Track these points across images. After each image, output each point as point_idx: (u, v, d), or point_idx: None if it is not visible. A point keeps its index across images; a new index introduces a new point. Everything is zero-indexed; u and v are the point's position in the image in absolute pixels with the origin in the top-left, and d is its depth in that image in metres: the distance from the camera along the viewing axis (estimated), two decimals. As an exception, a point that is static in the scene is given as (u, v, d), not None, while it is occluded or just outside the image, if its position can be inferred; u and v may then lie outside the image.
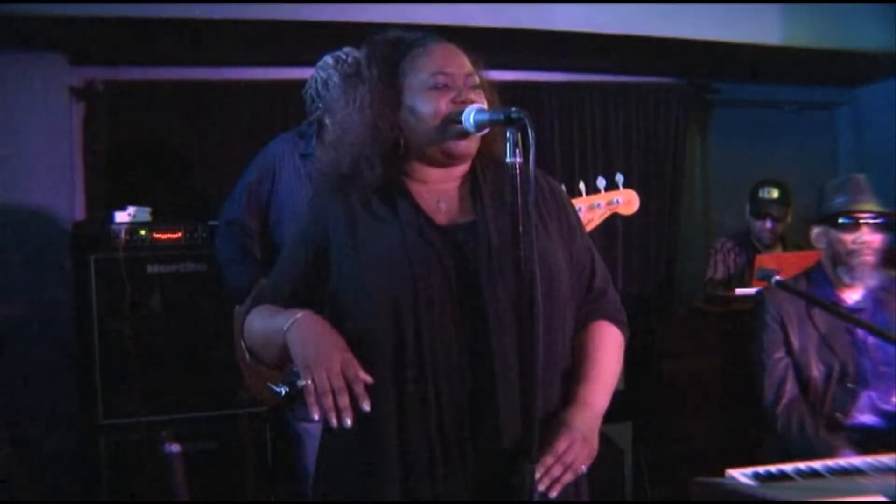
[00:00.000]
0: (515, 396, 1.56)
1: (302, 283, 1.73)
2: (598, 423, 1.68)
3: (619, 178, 2.68)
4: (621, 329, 1.80)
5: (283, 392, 2.75)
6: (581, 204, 2.64)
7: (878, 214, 2.72)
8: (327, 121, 2.65)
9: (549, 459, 1.56)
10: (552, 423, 1.62)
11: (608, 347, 1.76)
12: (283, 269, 1.79)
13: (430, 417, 1.58)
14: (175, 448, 3.44)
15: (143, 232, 3.50)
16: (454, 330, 1.58)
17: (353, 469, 1.65)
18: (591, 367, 1.72)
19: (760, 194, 4.16)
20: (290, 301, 1.71)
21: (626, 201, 2.69)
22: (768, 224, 4.15)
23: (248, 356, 2.54)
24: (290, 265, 1.77)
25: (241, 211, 2.92)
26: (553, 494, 1.56)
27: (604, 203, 2.66)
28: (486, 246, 1.62)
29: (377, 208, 1.67)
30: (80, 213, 3.96)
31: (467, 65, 1.68)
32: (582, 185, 2.66)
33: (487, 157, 1.73)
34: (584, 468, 1.61)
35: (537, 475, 1.54)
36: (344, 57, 2.66)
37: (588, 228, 2.63)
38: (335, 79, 2.61)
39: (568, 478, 1.58)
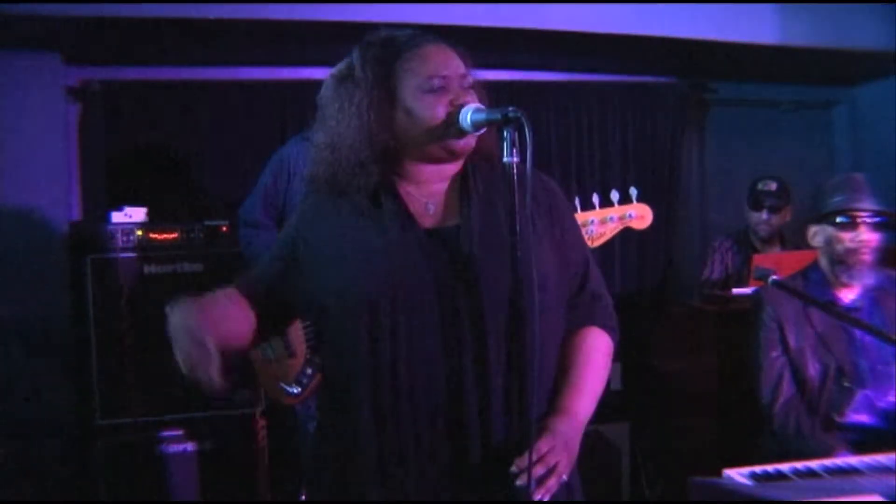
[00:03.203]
0: (488, 400, 1.57)
1: (279, 280, 1.75)
2: (581, 432, 1.67)
3: (633, 192, 2.67)
4: (611, 335, 1.79)
5: (295, 392, 2.78)
6: (594, 217, 2.64)
7: (876, 214, 2.72)
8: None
9: (527, 458, 1.52)
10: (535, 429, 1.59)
11: (596, 355, 1.75)
12: (266, 265, 1.80)
13: (403, 420, 1.58)
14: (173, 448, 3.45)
15: (139, 232, 3.49)
16: (432, 333, 1.58)
17: (336, 465, 1.66)
18: (577, 375, 1.71)
19: (759, 186, 4.17)
20: (264, 296, 1.74)
21: (640, 216, 2.68)
22: (764, 215, 4.14)
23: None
24: (273, 262, 1.78)
25: (259, 213, 2.94)
26: (537, 497, 1.52)
27: (617, 217, 2.66)
28: (467, 249, 1.62)
29: (366, 210, 1.67)
30: (76, 214, 3.95)
31: (461, 65, 1.68)
32: (595, 199, 2.66)
33: (480, 156, 1.72)
34: (565, 476, 1.57)
35: (514, 468, 1.52)
36: None
37: (599, 242, 2.62)
38: None
39: (552, 482, 1.54)
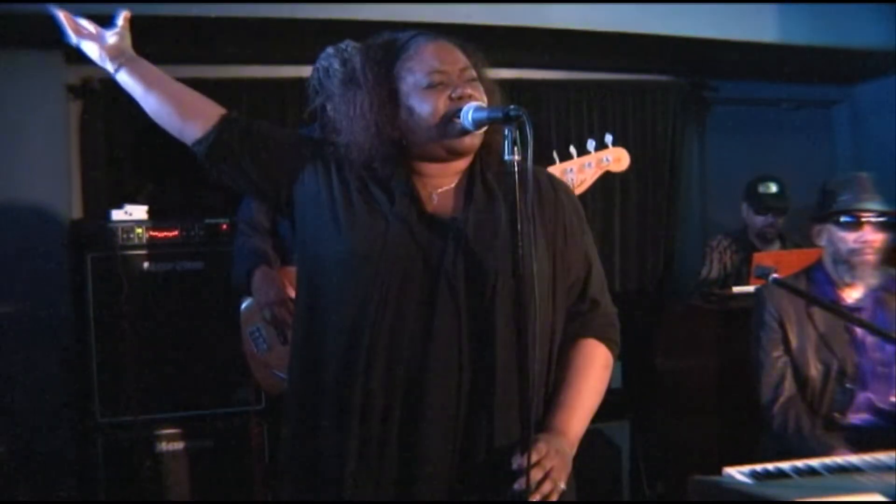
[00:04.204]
0: (454, 389, 1.58)
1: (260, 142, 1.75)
2: (573, 451, 1.67)
3: (609, 137, 2.69)
4: (610, 347, 1.79)
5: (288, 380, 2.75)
6: (572, 165, 2.66)
7: (881, 214, 2.70)
8: (328, 105, 2.69)
9: (526, 459, 1.52)
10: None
11: (591, 371, 1.75)
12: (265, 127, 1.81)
13: (356, 390, 1.59)
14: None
15: (139, 230, 3.50)
16: (408, 316, 1.60)
17: (304, 443, 1.70)
18: (570, 394, 1.71)
19: (761, 190, 4.17)
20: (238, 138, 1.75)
21: (616, 158, 2.70)
22: (771, 219, 4.15)
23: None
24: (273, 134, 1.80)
25: (251, 210, 2.94)
26: (536, 499, 1.53)
27: (594, 162, 2.67)
28: (452, 243, 1.63)
29: (372, 188, 1.69)
30: (76, 212, 3.95)
31: (461, 59, 1.69)
32: (572, 149, 2.67)
33: (490, 153, 1.73)
34: (562, 485, 1.58)
35: (514, 465, 1.53)
36: (344, 47, 2.69)
37: (582, 189, 2.64)
38: (336, 65, 2.64)
39: (547, 487, 1.54)
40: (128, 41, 1.84)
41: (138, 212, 3.56)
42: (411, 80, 1.66)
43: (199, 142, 1.76)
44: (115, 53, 1.82)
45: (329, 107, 2.65)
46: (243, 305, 2.93)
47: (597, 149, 2.68)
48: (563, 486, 1.58)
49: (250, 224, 2.92)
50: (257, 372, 2.94)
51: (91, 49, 1.82)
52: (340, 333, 1.62)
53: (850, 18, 4.26)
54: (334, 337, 1.63)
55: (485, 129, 1.65)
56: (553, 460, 1.57)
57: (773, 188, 4.15)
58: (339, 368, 1.62)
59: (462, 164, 1.73)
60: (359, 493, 1.59)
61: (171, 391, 3.47)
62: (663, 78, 4.86)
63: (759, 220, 4.18)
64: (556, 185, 1.81)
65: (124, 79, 1.81)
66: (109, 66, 1.81)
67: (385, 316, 1.59)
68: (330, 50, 2.79)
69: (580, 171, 2.67)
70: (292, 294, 2.67)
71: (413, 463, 1.59)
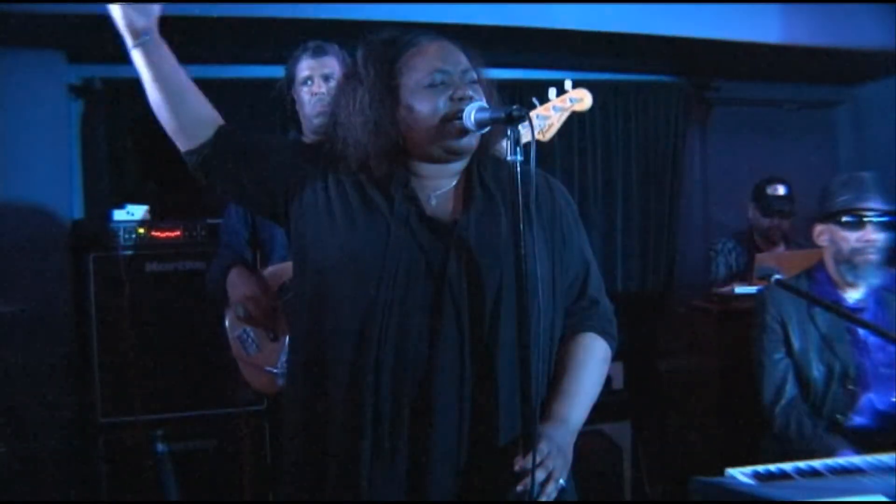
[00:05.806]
0: (453, 391, 1.59)
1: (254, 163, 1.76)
2: (573, 439, 1.68)
3: (568, 83, 2.69)
4: (609, 342, 1.80)
5: (280, 374, 2.75)
6: (538, 112, 2.65)
7: (883, 213, 2.70)
8: (293, 89, 2.76)
9: (528, 461, 1.52)
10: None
11: (591, 362, 1.75)
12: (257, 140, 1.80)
13: (380, 398, 1.59)
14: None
15: (141, 230, 3.50)
16: (413, 320, 1.60)
17: (304, 442, 1.70)
18: (571, 383, 1.72)
19: (769, 191, 4.17)
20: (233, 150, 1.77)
21: (580, 98, 2.69)
22: (776, 221, 4.15)
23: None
24: (265, 146, 1.79)
25: (230, 224, 2.94)
26: (543, 498, 1.54)
27: (559, 106, 2.67)
28: (455, 247, 1.63)
29: (370, 191, 1.68)
30: (78, 212, 3.95)
31: (463, 61, 1.69)
32: (535, 100, 2.67)
33: (486, 154, 1.73)
34: (562, 481, 1.58)
35: (516, 467, 1.53)
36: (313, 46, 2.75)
37: (550, 133, 2.65)
38: (304, 54, 2.70)
39: (549, 488, 1.54)
40: (155, 21, 1.74)
41: (140, 212, 3.56)
42: (413, 77, 1.66)
43: (191, 153, 1.78)
44: (142, 25, 1.70)
45: (293, 91, 2.72)
46: (227, 313, 2.92)
47: (558, 94, 2.69)
48: (563, 482, 1.58)
49: (231, 233, 2.93)
50: (248, 374, 2.92)
51: (118, 14, 1.70)
52: (346, 338, 1.62)
53: (851, 19, 4.25)
54: (340, 341, 1.63)
55: (484, 131, 1.65)
56: (555, 460, 1.57)
57: (781, 190, 4.16)
58: (347, 372, 1.61)
59: (459, 165, 1.73)
60: (372, 495, 1.59)
61: (173, 391, 3.46)
62: (665, 79, 4.86)
63: (764, 222, 4.18)
64: (552, 184, 1.82)
65: (138, 59, 1.72)
66: (129, 40, 1.71)
67: (391, 320, 1.59)
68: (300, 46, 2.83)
69: (546, 117, 2.67)
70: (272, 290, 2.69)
71: (423, 465, 1.59)
